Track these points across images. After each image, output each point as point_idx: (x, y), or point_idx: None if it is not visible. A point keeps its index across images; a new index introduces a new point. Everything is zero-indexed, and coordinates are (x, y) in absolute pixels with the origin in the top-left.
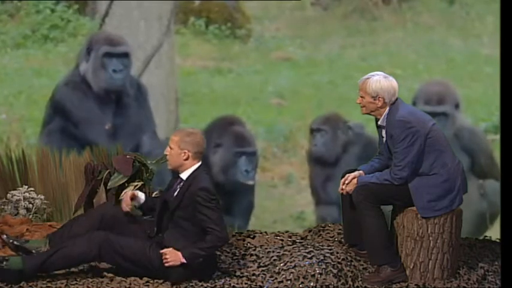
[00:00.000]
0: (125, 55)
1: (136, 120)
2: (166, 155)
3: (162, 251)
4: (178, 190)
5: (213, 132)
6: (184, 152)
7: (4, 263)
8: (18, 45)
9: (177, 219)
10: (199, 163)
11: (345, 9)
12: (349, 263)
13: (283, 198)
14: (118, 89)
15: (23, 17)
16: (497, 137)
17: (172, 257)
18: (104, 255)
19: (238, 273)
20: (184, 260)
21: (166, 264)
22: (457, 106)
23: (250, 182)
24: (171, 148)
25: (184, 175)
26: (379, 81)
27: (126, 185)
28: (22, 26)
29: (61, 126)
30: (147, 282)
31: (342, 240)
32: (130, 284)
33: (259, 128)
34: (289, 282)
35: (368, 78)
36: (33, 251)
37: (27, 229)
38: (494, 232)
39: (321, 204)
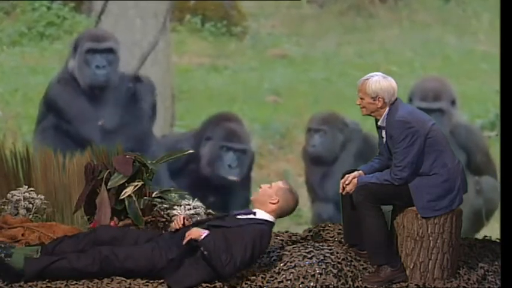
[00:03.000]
0: (109, 51)
1: (131, 117)
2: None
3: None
4: (243, 217)
5: (207, 126)
6: (274, 198)
7: (6, 258)
8: (14, 43)
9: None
10: (274, 219)
11: (341, 7)
12: (349, 263)
13: None
14: (102, 85)
15: (18, 15)
16: (494, 133)
17: (195, 233)
18: (105, 273)
19: (238, 273)
20: (203, 236)
21: (187, 237)
22: (453, 103)
23: (232, 178)
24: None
25: (257, 213)
26: (379, 81)
27: (126, 185)
28: (18, 23)
29: (54, 123)
30: (147, 282)
31: (342, 240)
32: (130, 284)
33: (255, 125)
34: (289, 282)
35: (367, 79)
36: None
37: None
38: (492, 231)
39: (318, 201)
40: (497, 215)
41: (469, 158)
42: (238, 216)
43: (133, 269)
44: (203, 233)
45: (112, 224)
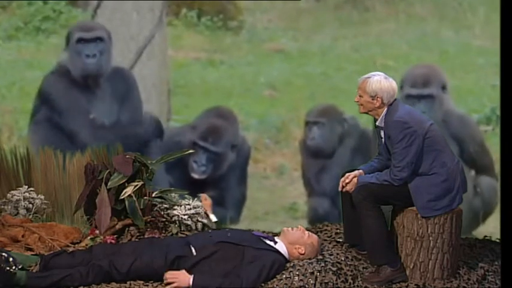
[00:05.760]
0: (98, 39)
1: (121, 108)
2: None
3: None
4: (263, 240)
5: (202, 117)
6: (302, 249)
7: (7, 267)
8: (10, 37)
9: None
10: (288, 259)
11: (337, 0)
12: (349, 263)
13: (275, 190)
14: (92, 74)
15: (15, 9)
16: (490, 128)
17: (181, 280)
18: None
19: None
20: (191, 283)
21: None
22: (443, 88)
23: (195, 176)
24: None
25: (278, 244)
26: (380, 81)
27: (126, 185)
28: (14, 17)
29: (47, 116)
30: (147, 283)
31: (341, 240)
32: (130, 284)
33: (251, 120)
34: (288, 280)
35: (368, 77)
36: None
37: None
38: (489, 230)
39: (314, 195)
40: (492, 214)
41: (462, 149)
42: (261, 238)
43: (135, 277)
44: (189, 278)
45: (108, 240)
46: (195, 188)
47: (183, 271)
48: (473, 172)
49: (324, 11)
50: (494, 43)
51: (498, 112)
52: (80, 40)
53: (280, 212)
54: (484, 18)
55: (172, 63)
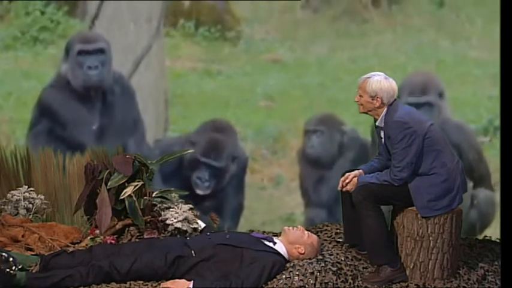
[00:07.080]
0: (100, 51)
1: (123, 118)
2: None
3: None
4: (262, 242)
5: (197, 131)
6: (302, 249)
7: (7, 269)
8: (7, 47)
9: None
10: (287, 258)
11: (334, 12)
12: (349, 263)
13: (272, 200)
14: (94, 85)
15: (12, 19)
16: (487, 139)
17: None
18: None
19: None
20: (191, 287)
21: None
22: (441, 95)
23: (200, 192)
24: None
25: (278, 244)
26: (380, 81)
27: (126, 185)
28: (11, 27)
29: (48, 128)
30: (147, 283)
31: (341, 240)
32: (130, 285)
33: (248, 130)
34: (288, 280)
35: (369, 77)
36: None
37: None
38: (490, 232)
39: (311, 205)
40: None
41: (460, 157)
42: (260, 239)
43: (135, 278)
44: (189, 284)
45: (108, 240)
46: (193, 199)
47: (182, 280)
48: (471, 184)
49: (321, 22)
50: (491, 54)
51: (495, 123)
52: (81, 52)
53: (277, 222)
54: (481, 29)
55: (170, 74)
